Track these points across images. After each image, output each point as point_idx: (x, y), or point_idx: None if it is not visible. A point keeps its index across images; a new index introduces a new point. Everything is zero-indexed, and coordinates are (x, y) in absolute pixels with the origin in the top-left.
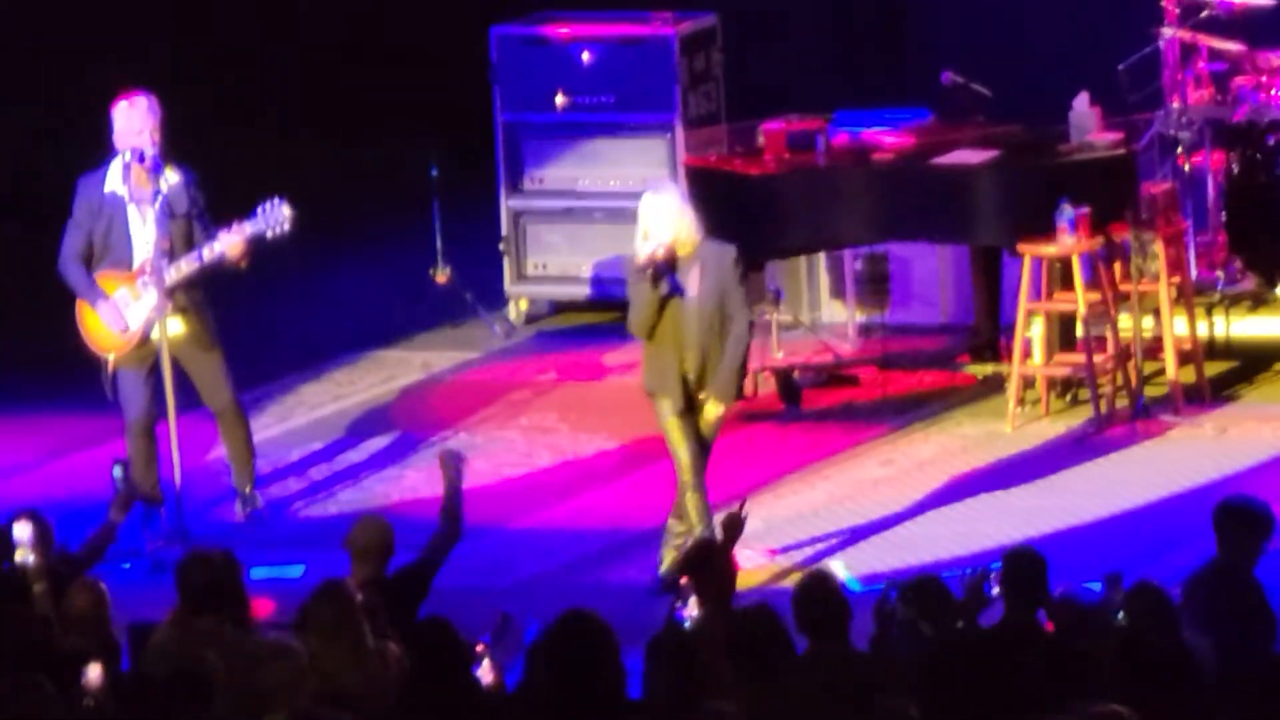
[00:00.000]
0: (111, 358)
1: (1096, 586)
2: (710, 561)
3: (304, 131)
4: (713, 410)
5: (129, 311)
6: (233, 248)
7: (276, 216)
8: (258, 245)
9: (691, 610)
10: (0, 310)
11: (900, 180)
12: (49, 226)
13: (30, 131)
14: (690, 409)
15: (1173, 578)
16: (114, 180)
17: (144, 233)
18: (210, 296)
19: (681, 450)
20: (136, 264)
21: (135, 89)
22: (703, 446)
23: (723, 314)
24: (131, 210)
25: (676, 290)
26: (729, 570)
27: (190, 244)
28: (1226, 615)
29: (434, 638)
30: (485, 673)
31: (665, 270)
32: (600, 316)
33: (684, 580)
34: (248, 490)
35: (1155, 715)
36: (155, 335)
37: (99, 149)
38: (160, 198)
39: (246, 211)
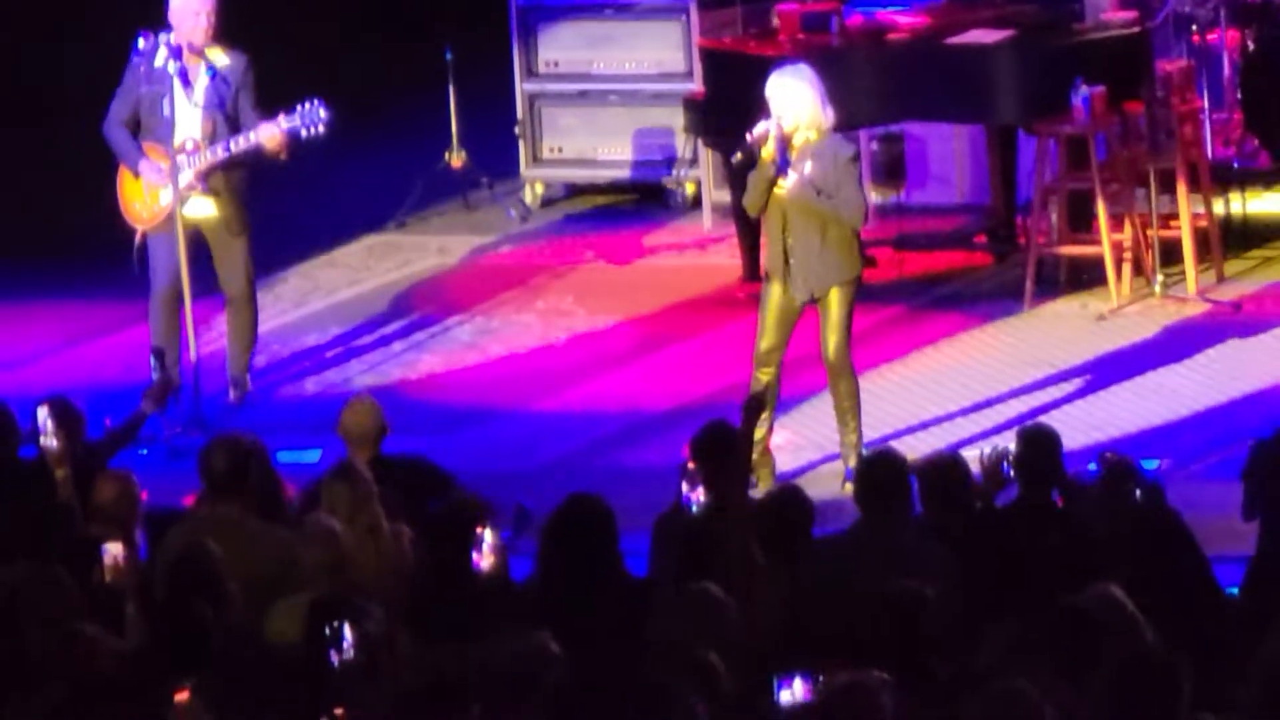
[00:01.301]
0: (140, 229)
1: (1093, 467)
2: (727, 443)
3: (317, 17)
4: (787, 183)
5: (164, 187)
6: (270, 139)
7: (314, 117)
8: (295, 141)
9: (699, 494)
10: (21, 198)
11: (915, 60)
12: (72, 117)
13: (54, 22)
14: (787, 295)
15: (1188, 458)
16: (164, 55)
17: (187, 112)
18: (251, 182)
19: (763, 336)
20: (176, 143)
21: None
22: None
23: (833, 206)
24: (177, 88)
25: (782, 171)
26: (744, 451)
27: (235, 128)
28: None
29: (452, 522)
30: (485, 557)
31: (778, 150)
32: (616, 199)
33: (691, 464)
34: (243, 377)
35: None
36: (188, 213)
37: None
38: (205, 79)
39: (263, 105)
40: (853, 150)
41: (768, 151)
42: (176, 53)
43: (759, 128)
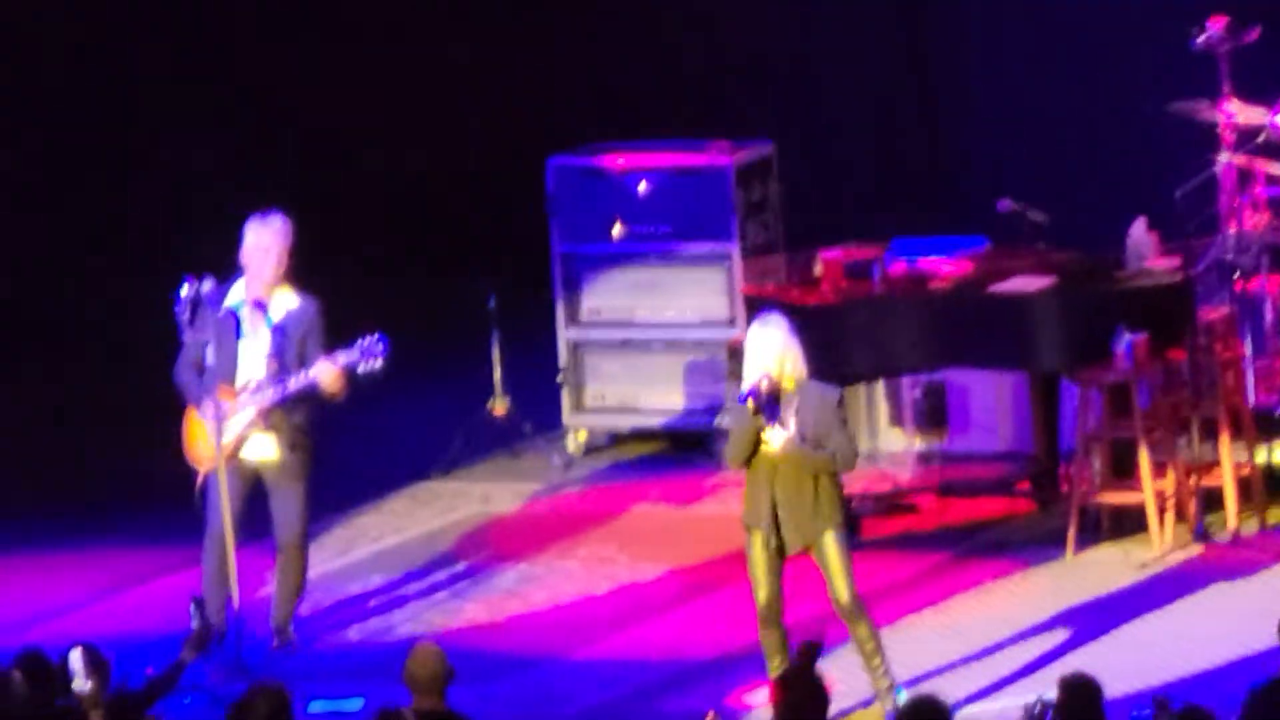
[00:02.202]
0: (203, 470)
1: (1146, 714)
2: (792, 692)
3: (361, 263)
4: (776, 439)
5: (226, 424)
6: (327, 376)
7: (373, 351)
8: (349, 377)
9: None
10: (63, 446)
11: (957, 308)
12: (118, 360)
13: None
14: (781, 549)
15: (1231, 706)
16: (235, 296)
17: (252, 352)
18: (315, 423)
19: (759, 590)
20: (239, 382)
21: (272, 209)
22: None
23: (821, 458)
24: (245, 328)
25: (770, 421)
26: (815, 694)
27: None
28: None
29: None
30: None
31: (768, 402)
32: (659, 447)
33: (710, 717)
34: (286, 626)
35: None
36: (248, 455)
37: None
38: (266, 330)
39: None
40: (838, 394)
41: (751, 404)
42: (251, 305)
43: (762, 379)
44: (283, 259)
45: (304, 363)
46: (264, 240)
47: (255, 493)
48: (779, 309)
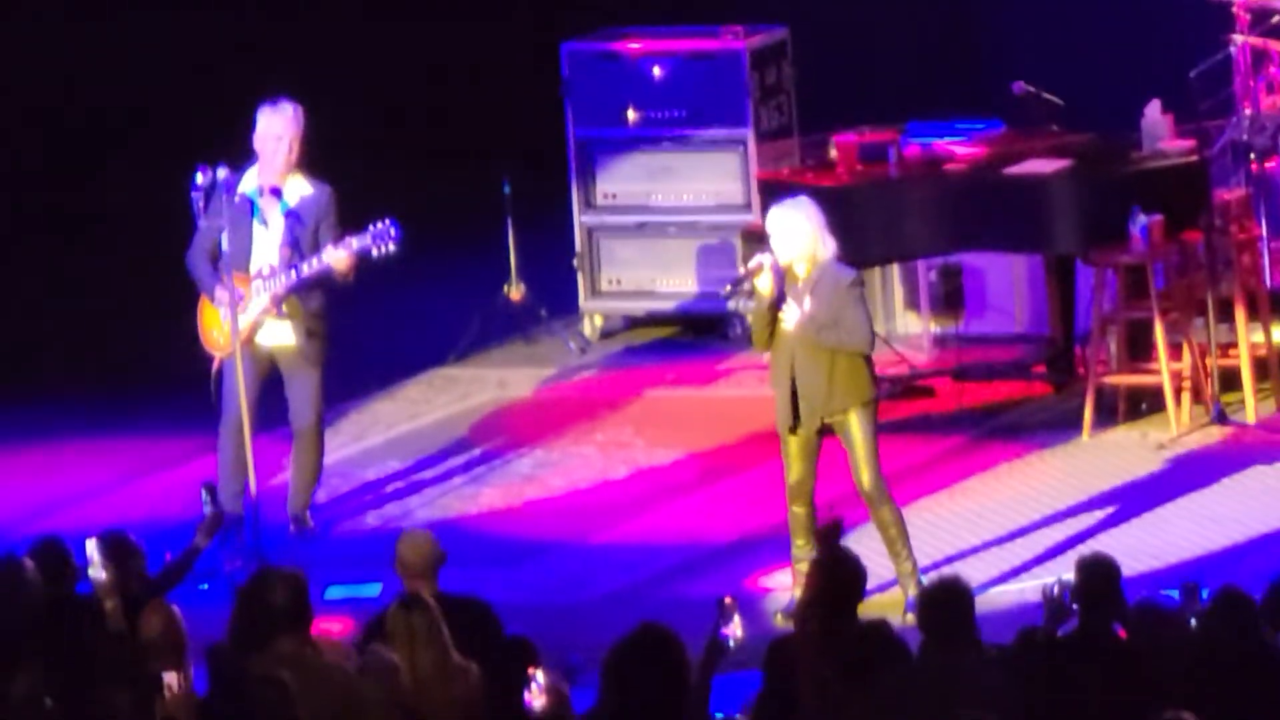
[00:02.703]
0: (218, 357)
1: (1174, 594)
2: (828, 573)
3: (375, 149)
4: (788, 319)
5: (240, 310)
6: (339, 262)
7: (385, 235)
8: (364, 260)
9: (734, 630)
10: (83, 332)
11: (973, 191)
12: (137, 248)
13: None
14: (795, 428)
15: (1254, 584)
16: (249, 183)
17: (266, 239)
18: (330, 307)
19: (788, 468)
20: (252, 270)
21: (283, 96)
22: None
23: (836, 338)
24: (257, 215)
25: (779, 304)
26: (842, 576)
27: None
28: None
29: (507, 662)
30: (537, 697)
31: (750, 282)
32: (676, 331)
33: (727, 600)
34: (303, 513)
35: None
36: (263, 341)
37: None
38: (280, 215)
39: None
40: (852, 276)
41: (765, 287)
42: (261, 192)
43: (753, 261)
44: (295, 146)
45: (318, 249)
46: (275, 127)
47: (270, 379)
48: (794, 192)
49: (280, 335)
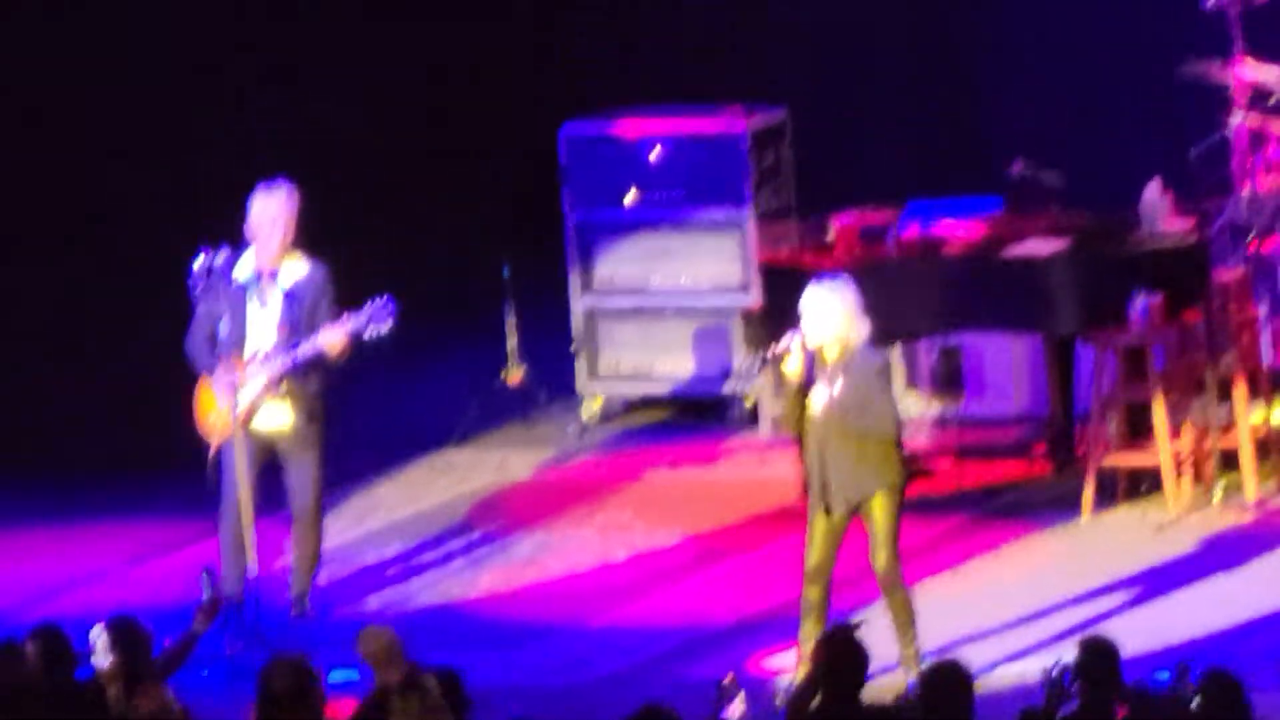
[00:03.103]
0: (215, 442)
1: (1165, 676)
2: (831, 653)
3: (377, 231)
4: (815, 401)
5: (238, 393)
6: (332, 343)
7: (381, 315)
8: (358, 342)
9: (735, 711)
10: (86, 415)
11: (972, 271)
12: (135, 333)
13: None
14: (828, 510)
15: (1255, 665)
16: (244, 268)
17: (263, 320)
18: (328, 389)
19: (810, 551)
20: (250, 351)
21: (274, 177)
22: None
23: (864, 423)
24: (253, 298)
25: (808, 386)
26: (846, 658)
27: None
28: None
29: None
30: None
31: (779, 361)
32: (674, 413)
33: (728, 680)
34: (304, 597)
35: None
36: (261, 425)
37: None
38: (280, 297)
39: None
40: (881, 360)
41: (793, 369)
42: (259, 275)
43: (781, 342)
44: (289, 228)
45: (315, 329)
46: (270, 210)
47: (269, 463)
48: (793, 274)
49: (278, 418)
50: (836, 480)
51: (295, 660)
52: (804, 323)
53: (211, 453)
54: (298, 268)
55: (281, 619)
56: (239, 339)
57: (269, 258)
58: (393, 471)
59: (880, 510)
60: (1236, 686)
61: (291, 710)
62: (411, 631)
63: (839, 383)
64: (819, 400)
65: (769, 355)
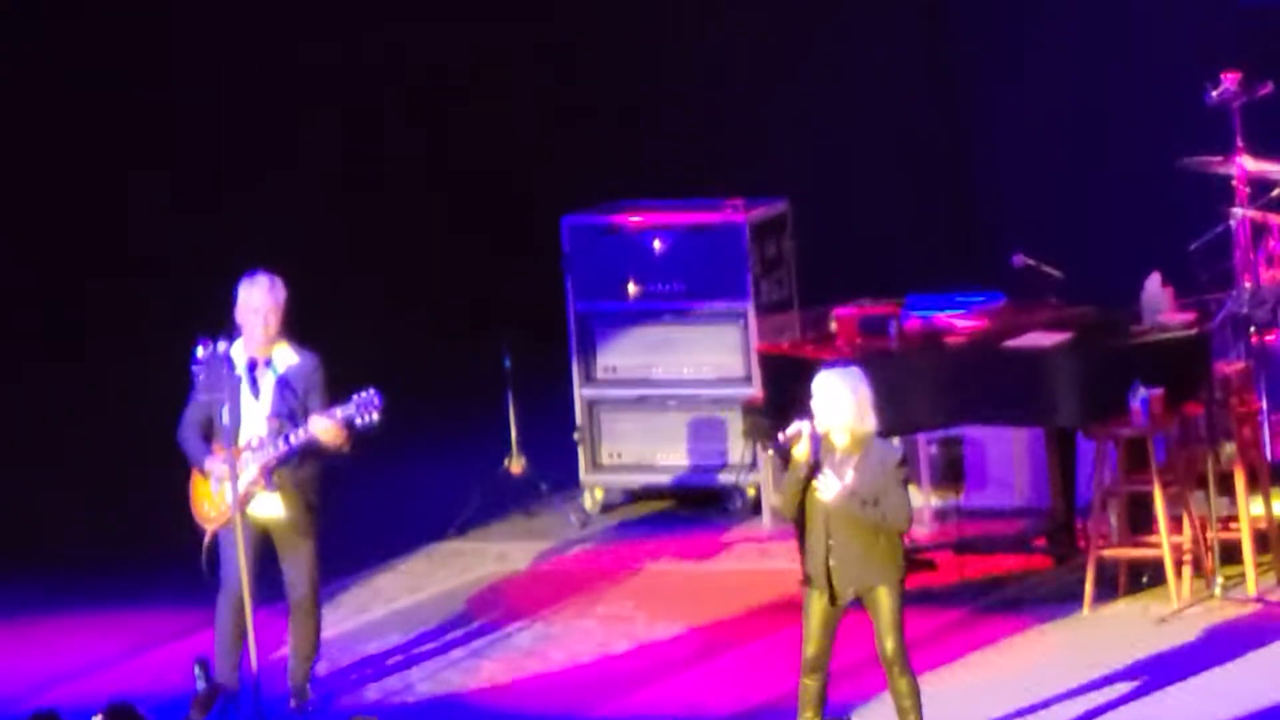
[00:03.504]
0: (210, 530)
1: None
2: None
3: (375, 322)
4: (826, 490)
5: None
6: (324, 432)
7: (369, 406)
8: (350, 430)
9: None
10: (84, 505)
11: (973, 364)
12: (130, 420)
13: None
14: (834, 602)
15: None
16: (237, 354)
17: (256, 410)
18: (322, 480)
19: (809, 642)
20: (243, 440)
21: (260, 269)
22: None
23: (878, 515)
24: (245, 387)
25: (815, 473)
26: None
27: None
28: None
29: None
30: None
31: (790, 448)
32: (676, 504)
33: None
34: (303, 686)
35: None
36: (255, 512)
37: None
38: (272, 384)
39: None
40: (899, 455)
41: (801, 453)
42: (250, 364)
43: (792, 427)
44: (272, 317)
45: (306, 418)
46: (253, 300)
47: (264, 552)
48: (794, 365)
49: (271, 507)
50: (843, 569)
51: None
52: (815, 407)
53: (206, 540)
54: (289, 356)
55: (281, 709)
56: (233, 428)
57: (255, 347)
58: (393, 561)
59: (887, 600)
60: None
61: None
62: None
63: (852, 473)
64: (828, 488)
65: (780, 440)
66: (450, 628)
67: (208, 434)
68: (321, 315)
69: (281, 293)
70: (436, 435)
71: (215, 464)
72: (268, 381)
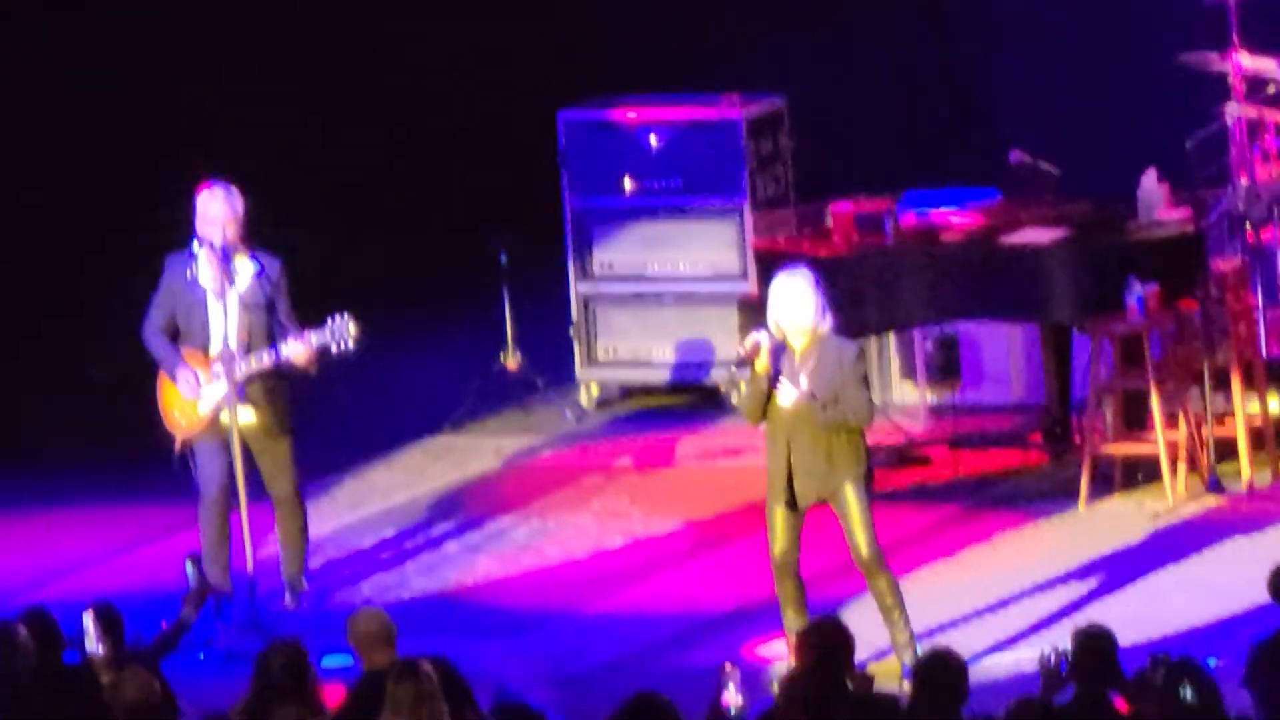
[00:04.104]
0: (180, 436)
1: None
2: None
3: (374, 220)
4: (785, 395)
5: (203, 391)
6: (298, 356)
7: (341, 332)
8: (324, 355)
9: (735, 699)
10: (74, 404)
11: (969, 260)
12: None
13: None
14: (794, 504)
15: (1243, 655)
16: (200, 266)
17: (221, 322)
18: (289, 384)
19: (774, 542)
20: (212, 352)
21: (214, 178)
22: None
23: (837, 415)
24: (211, 299)
25: (774, 381)
26: (831, 645)
27: (270, 334)
28: None
29: None
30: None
31: (753, 360)
32: (671, 400)
33: (727, 667)
34: (298, 579)
35: None
36: (225, 420)
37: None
38: (232, 289)
39: (318, 305)
40: (855, 350)
41: (761, 365)
42: (224, 255)
43: (749, 340)
44: (230, 228)
45: (276, 323)
46: (211, 211)
47: (243, 455)
48: (790, 261)
49: (243, 415)
50: (805, 474)
51: (292, 644)
52: (772, 313)
53: (177, 447)
54: (250, 265)
55: (275, 604)
56: (204, 338)
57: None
58: (389, 457)
59: (852, 499)
60: (1201, 675)
61: (289, 694)
62: (406, 617)
63: (803, 376)
64: (786, 394)
65: (740, 357)
66: (445, 523)
67: (171, 336)
68: (321, 215)
69: (239, 202)
70: (433, 331)
71: (184, 378)
72: (234, 295)
